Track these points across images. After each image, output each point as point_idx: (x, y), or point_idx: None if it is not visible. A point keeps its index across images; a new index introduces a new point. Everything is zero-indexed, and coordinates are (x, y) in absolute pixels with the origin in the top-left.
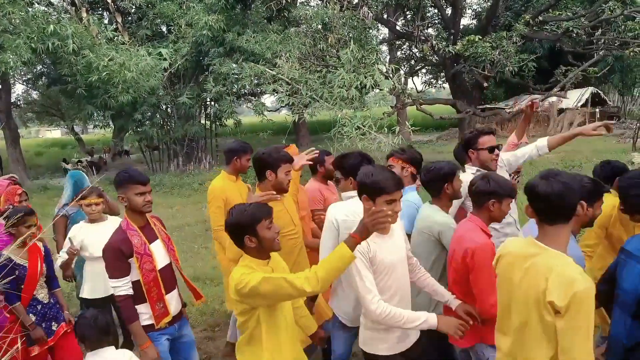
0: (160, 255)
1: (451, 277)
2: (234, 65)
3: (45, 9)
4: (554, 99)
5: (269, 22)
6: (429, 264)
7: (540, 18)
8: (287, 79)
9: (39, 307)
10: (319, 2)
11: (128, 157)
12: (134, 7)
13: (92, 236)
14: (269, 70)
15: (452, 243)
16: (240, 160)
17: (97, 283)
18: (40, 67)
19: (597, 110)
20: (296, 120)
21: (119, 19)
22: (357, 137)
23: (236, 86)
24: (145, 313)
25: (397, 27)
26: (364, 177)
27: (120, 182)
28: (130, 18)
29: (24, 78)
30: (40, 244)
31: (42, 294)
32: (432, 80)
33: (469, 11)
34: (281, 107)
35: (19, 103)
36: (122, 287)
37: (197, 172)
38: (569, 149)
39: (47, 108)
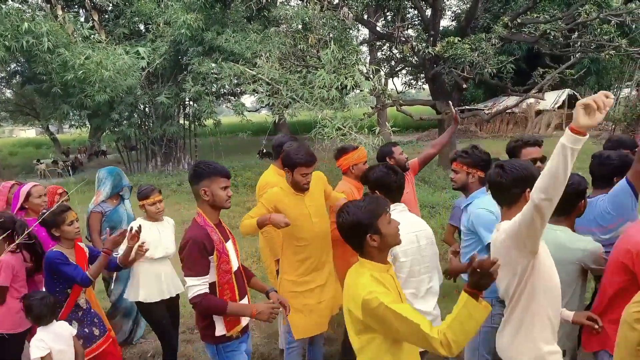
0: (233, 256)
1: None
2: (213, 64)
3: (20, 6)
4: (531, 100)
5: (249, 21)
6: (567, 295)
7: (519, 20)
8: (267, 79)
9: (80, 313)
10: (299, 2)
11: (105, 157)
12: (110, 4)
13: (150, 236)
14: (249, 70)
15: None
16: None
17: (152, 286)
18: (14, 65)
19: (574, 111)
20: (276, 121)
21: (96, 17)
22: (337, 137)
23: (215, 86)
24: (219, 323)
25: (378, 28)
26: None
27: (202, 175)
28: (107, 16)
29: None
30: (83, 245)
31: (82, 299)
32: (412, 81)
33: (449, 13)
34: (261, 107)
35: None
36: (200, 285)
37: (175, 173)
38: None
39: (22, 107)
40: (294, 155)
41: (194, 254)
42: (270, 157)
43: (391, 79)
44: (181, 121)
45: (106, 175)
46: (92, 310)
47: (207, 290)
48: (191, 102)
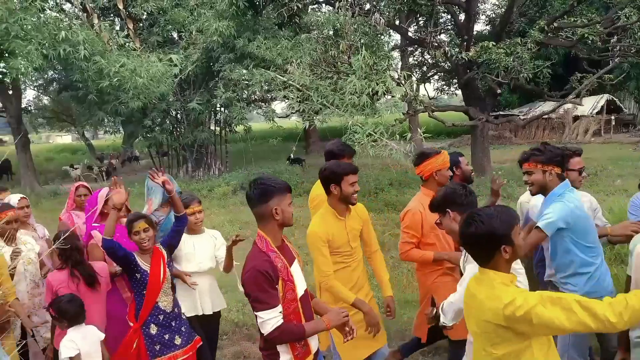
0: (299, 279)
1: None
2: (244, 71)
3: (57, 15)
4: (569, 106)
5: (280, 28)
6: None
7: (555, 24)
8: (297, 86)
9: (161, 317)
10: (331, 8)
11: (137, 162)
12: (145, 13)
13: (188, 248)
14: (280, 77)
15: None
16: None
17: (185, 301)
18: (52, 73)
19: (613, 117)
20: (306, 127)
21: (131, 26)
22: (368, 143)
23: (246, 92)
24: (284, 353)
25: (410, 34)
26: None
27: (272, 193)
28: (141, 24)
29: (35, 84)
30: (161, 247)
31: (164, 302)
32: (444, 86)
33: (483, 17)
34: (291, 113)
35: (29, 108)
36: (276, 317)
37: (206, 179)
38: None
39: (58, 114)
40: (337, 168)
41: (261, 285)
42: (300, 164)
43: (423, 84)
44: (212, 127)
45: (154, 184)
46: (180, 317)
47: (282, 320)
48: (222, 109)
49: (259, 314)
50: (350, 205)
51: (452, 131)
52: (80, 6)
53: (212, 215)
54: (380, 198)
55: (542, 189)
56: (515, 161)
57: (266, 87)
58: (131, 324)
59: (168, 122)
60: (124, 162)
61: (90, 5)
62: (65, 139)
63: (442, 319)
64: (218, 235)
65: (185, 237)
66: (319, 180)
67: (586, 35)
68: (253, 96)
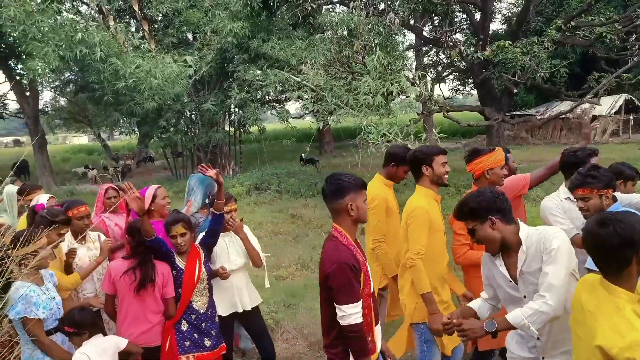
0: (371, 278)
1: None
2: (259, 72)
3: (74, 17)
4: (586, 105)
5: (294, 28)
6: None
7: (573, 23)
8: (312, 86)
9: (194, 316)
10: (345, 8)
11: (152, 163)
12: (160, 15)
13: (221, 246)
14: (294, 77)
15: None
16: (397, 169)
17: (222, 299)
18: (68, 74)
19: (631, 117)
20: (320, 127)
21: (146, 27)
22: (382, 144)
23: (260, 93)
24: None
25: (424, 33)
26: None
27: (348, 189)
28: (156, 26)
29: (52, 85)
30: (199, 247)
31: (198, 302)
32: (459, 86)
33: (499, 16)
34: (305, 113)
35: (46, 109)
36: (358, 313)
37: None
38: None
39: (75, 115)
40: (427, 149)
41: (348, 278)
42: (314, 164)
43: (438, 84)
44: (226, 128)
45: (197, 184)
46: (212, 320)
47: (361, 318)
48: (236, 109)
49: (343, 307)
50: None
51: (467, 131)
52: (97, 8)
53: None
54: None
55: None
56: (533, 161)
57: (280, 88)
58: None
59: (182, 122)
60: (139, 162)
61: (106, 7)
62: (81, 139)
63: (531, 329)
64: (247, 230)
65: (220, 237)
66: (374, 180)
67: (604, 34)
68: (267, 97)
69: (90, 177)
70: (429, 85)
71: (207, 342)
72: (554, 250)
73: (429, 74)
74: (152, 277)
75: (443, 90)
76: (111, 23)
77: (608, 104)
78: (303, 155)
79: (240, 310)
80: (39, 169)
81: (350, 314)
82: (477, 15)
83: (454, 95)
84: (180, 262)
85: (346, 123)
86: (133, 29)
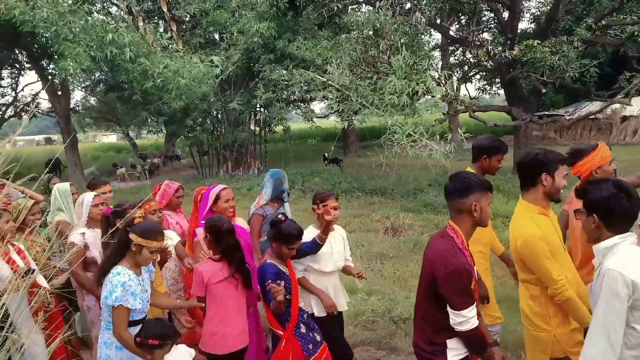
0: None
1: None
2: (284, 71)
3: (104, 18)
4: (617, 106)
5: (320, 28)
6: None
7: (603, 22)
8: (337, 86)
9: (305, 315)
10: (371, 8)
11: (178, 161)
12: (188, 15)
13: (326, 248)
14: (319, 77)
15: None
16: (489, 160)
17: (319, 300)
18: (99, 74)
19: None
20: (345, 127)
21: (174, 28)
22: (407, 144)
23: (286, 93)
24: (455, 349)
25: (451, 32)
26: None
27: (472, 188)
28: (184, 26)
29: (82, 85)
30: None
31: (302, 303)
32: (486, 86)
33: (527, 15)
34: (330, 113)
35: (77, 109)
36: (475, 317)
37: (245, 178)
38: (635, 157)
39: (104, 114)
40: (552, 155)
41: (465, 284)
42: (338, 164)
43: (464, 84)
44: (252, 127)
45: (268, 177)
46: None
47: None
48: (262, 109)
49: (462, 312)
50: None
51: (494, 131)
52: (126, 9)
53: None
54: (419, 199)
55: None
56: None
57: (305, 88)
58: (280, 332)
59: (209, 122)
60: (166, 161)
61: (135, 8)
62: (110, 138)
63: None
64: (344, 233)
65: (314, 233)
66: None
67: (636, 33)
68: (292, 96)
69: (118, 175)
70: (455, 85)
71: (318, 337)
72: None
73: (455, 73)
74: (249, 280)
75: (469, 90)
76: (140, 24)
77: (639, 105)
78: (327, 154)
79: (342, 310)
80: (70, 166)
81: (470, 317)
82: (505, 14)
83: (480, 95)
84: (284, 268)
85: (371, 123)
86: (161, 30)
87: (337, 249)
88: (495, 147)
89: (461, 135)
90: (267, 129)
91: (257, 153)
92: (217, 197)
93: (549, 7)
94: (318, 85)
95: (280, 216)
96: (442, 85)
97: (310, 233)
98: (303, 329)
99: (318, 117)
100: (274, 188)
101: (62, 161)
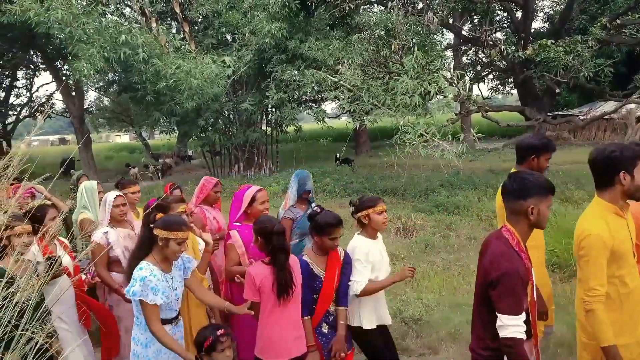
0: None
1: None
2: (296, 72)
3: (118, 19)
4: (632, 106)
5: (332, 29)
6: None
7: (618, 21)
8: (348, 86)
9: (331, 318)
10: (382, 8)
11: (189, 162)
12: (200, 16)
13: (376, 255)
14: (331, 77)
15: None
16: (538, 160)
17: (371, 311)
18: (112, 75)
19: None
20: (357, 127)
21: (187, 29)
22: (419, 144)
23: (297, 93)
24: None
25: (463, 32)
26: None
27: (532, 190)
28: (196, 27)
29: (96, 85)
30: (342, 254)
31: (332, 307)
32: (499, 86)
33: (541, 14)
34: (342, 113)
35: (91, 109)
36: (517, 327)
37: (257, 178)
38: None
39: (118, 114)
40: (626, 149)
41: (514, 288)
42: (349, 164)
43: (476, 84)
44: (263, 127)
45: (293, 178)
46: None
47: (525, 337)
48: (273, 109)
49: (502, 316)
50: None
51: (507, 132)
52: (139, 10)
53: None
54: (431, 199)
55: None
56: (575, 163)
57: (317, 88)
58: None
59: (221, 122)
60: (178, 161)
61: (148, 9)
62: (123, 138)
63: None
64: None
65: (370, 243)
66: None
67: None
68: (304, 97)
69: (131, 175)
70: (467, 85)
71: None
72: None
73: (468, 73)
74: (293, 282)
75: (482, 90)
76: (153, 25)
77: None
78: (337, 154)
79: (387, 323)
80: (83, 166)
81: (508, 325)
82: (519, 14)
83: (493, 95)
84: (319, 271)
85: (383, 123)
86: (174, 31)
87: (385, 255)
88: (545, 145)
89: (473, 136)
90: (278, 129)
91: (269, 153)
92: (253, 199)
93: (562, 7)
94: (330, 86)
95: (316, 209)
96: (454, 85)
97: (360, 243)
98: (325, 329)
99: (329, 118)
100: (298, 187)
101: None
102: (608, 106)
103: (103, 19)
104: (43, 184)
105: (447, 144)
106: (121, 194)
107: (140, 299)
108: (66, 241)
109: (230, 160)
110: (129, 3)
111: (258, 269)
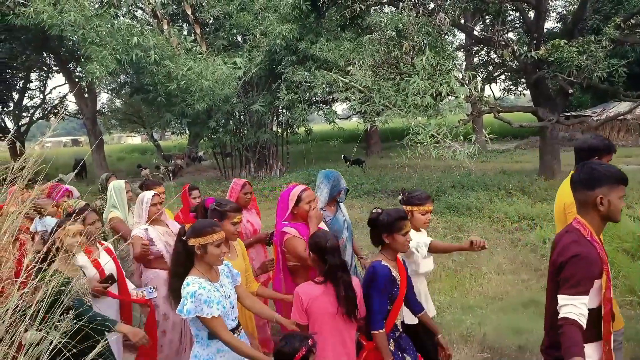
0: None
1: None
2: (307, 73)
3: (130, 21)
4: None
5: (343, 30)
6: None
7: (633, 21)
8: (359, 87)
9: (397, 333)
10: (393, 8)
11: (200, 163)
12: (212, 18)
13: (425, 248)
14: (342, 78)
15: None
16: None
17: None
18: (124, 76)
19: None
20: (368, 128)
21: (198, 30)
22: (431, 145)
23: (308, 94)
24: (591, 357)
25: (475, 33)
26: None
27: (601, 180)
28: (208, 29)
29: (108, 87)
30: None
31: (399, 320)
32: (511, 86)
33: (554, 14)
34: (352, 114)
35: (103, 111)
36: (578, 308)
37: (267, 179)
38: None
39: (129, 115)
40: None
41: (582, 271)
42: (360, 165)
43: (488, 84)
44: (274, 129)
45: (322, 180)
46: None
47: (583, 321)
48: (284, 110)
49: (561, 296)
50: None
51: (519, 132)
52: (151, 13)
53: (273, 216)
54: (443, 200)
55: None
56: None
57: (328, 89)
58: (363, 342)
59: (232, 123)
60: (188, 162)
61: (160, 11)
62: (135, 139)
63: None
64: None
65: (415, 235)
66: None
67: None
68: (314, 98)
69: (143, 176)
70: (479, 86)
71: (408, 358)
72: None
73: (480, 74)
74: (355, 304)
75: (494, 90)
76: (165, 27)
77: None
78: (346, 156)
79: (431, 315)
80: (96, 167)
81: (563, 305)
82: (531, 14)
83: (505, 95)
84: (397, 275)
85: (394, 124)
86: (185, 33)
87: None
88: (607, 146)
89: (485, 137)
90: (289, 131)
91: (279, 154)
92: (299, 199)
93: (575, 6)
94: (340, 87)
95: (376, 210)
96: (466, 85)
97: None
98: (391, 347)
99: (340, 119)
100: (332, 189)
101: (88, 162)
102: (622, 107)
103: (115, 22)
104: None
105: (458, 144)
106: (157, 193)
107: (197, 316)
108: (110, 246)
109: (241, 162)
110: (140, 5)
111: (307, 289)
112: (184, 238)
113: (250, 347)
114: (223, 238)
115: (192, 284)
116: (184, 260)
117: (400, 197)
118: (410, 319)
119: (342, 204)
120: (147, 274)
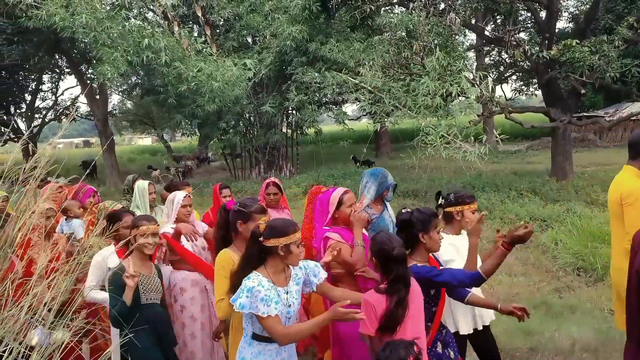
0: None
1: None
2: (317, 74)
3: (141, 23)
4: None
5: (353, 30)
6: None
7: None
8: (369, 88)
9: (444, 331)
10: (404, 9)
11: (209, 164)
12: (222, 20)
13: (447, 254)
14: (352, 79)
15: None
16: None
17: (465, 314)
18: (135, 78)
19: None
20: (378, 129)
21: (208, 32)
22: (441, 146)
23: (318, 95)
24: None
25: (486, 33)
26: None
27: None
28: (218, 30)
29: (120, 89)
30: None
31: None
32: (522, 87)
33: (565, 14)
34: (362, 115)
35: (114, 112)
36: None
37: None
38: None
39: (140, 117)
40: None
41: None
42: (370, 166)
43: (500, 85)
44: (284, 130)
45: (368, 178)
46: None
47: None
48: (294, 111)
49: None
50: None
51: (530, 133)
52: (162, 14)
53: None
54: None
55: None
56: (601, 165)
57: (338, 90)
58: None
59: (241, 124)
60: (198, 163)
61: (171, 13)
62: (145, 140)
63: None
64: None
65: (456, 239)
66: (625, 173)
67: None
68: (324, 99)
69: (153, 177)
70: (490, 86)
71: (452, 354)
72: None
73: (491, 74)
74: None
75: (505, 90)
76: (176, 29)
77: None
78: (356, 156)
79: (480, 327)
80: (107, 168)
81: None
82: (543, 14)
83: (516, 96)
84: None
85: (404, 125)
86: (196, 34)
87: (465, 252)
88: None
89: (496, 137)
90: (299, 132)
91: (289, 155)
92: (340, 202)
93: (588, 6)
94: (350, 87)
95: (406, 209)
96: (476, 86)
97: (447, 240)
98: (439, 348)
99: (350, 119)
100: (379, 186)
101: (99, 164)
102: (635, 107)
103: (126, 23)
104: (69, 185)
105: (469, 145)
106: (189, 195)
107: (250, 312)
108: None
109: (250, 163)
110: (151, 7)
111: (377, 298)
112: (260, 239)
113: (310, 320)
114: (300, 237)
115: (253, 279)
116: (256, 263)
117: (440, 200)
118: (466, 327)
119: (388, 204)
120: (175, 275)
